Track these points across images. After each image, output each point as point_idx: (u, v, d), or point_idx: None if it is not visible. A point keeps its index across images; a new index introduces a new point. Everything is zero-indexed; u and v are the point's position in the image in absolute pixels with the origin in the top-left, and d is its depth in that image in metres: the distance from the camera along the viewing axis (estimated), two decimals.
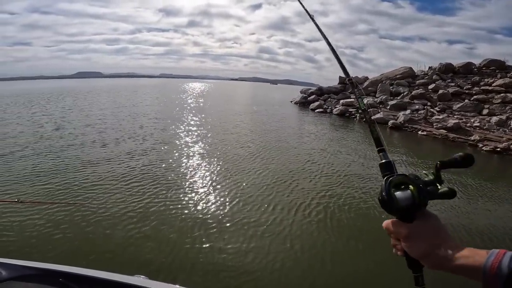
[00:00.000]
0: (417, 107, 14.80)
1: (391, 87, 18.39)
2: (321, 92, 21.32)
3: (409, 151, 8.96)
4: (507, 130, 11.12)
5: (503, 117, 11.88)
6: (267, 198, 4.72)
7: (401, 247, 0.55)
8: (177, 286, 1.22)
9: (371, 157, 7.85)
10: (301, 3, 1.09)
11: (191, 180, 5.43)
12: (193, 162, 6.59)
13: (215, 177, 5.63)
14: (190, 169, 6.05)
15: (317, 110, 18.05)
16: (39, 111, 14.07)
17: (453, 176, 6.13)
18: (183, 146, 7.97)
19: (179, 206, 4.31)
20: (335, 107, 17.56)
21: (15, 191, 4.56)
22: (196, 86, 63.77)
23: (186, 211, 4.15)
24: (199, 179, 5.51)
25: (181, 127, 10.85)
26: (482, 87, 14.97)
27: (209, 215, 4.08)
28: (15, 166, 5.72)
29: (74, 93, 28.16)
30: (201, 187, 5.12)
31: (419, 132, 12.23)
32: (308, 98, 21.10)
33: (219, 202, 4.54)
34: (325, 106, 18.40)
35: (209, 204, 4.45)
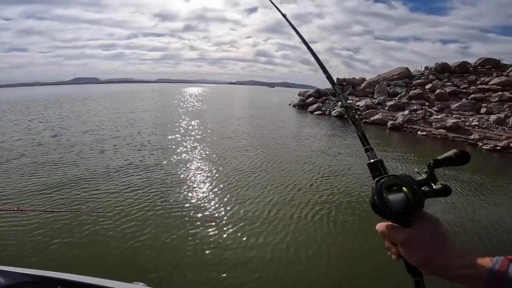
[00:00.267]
0: (415, 107, 14.83)
1: (388, 87, 18.45)
2: (319, 94, 21.35)
3: (409, 151, 8.92)
4: (506, 129, 11.14)
5: (502, 115, 11.91)
6: (267, 202, 4.67)
7: (396, 251, 0.51)
8: None
9: None
10: (272, 2, 1.07)
11: (190, 186, 5.37)
12: (192, 167, 6.53)
13: (214, 182, 5.58)
14: (188, 175, 5.99)
15: (316, 113, 18.03)
16: (36, 118, 13.99)
17: (450, 173, 6.10)
18: (181, 151, 7.90)
19: (179, 212, 4.26)
20: (334, 109, 17.57)
21: (13, 199, 4.53)
22: (194, 90, 63.86)
23: (185, 217, 4.10)
24: (198, 185, 5.45)
25: (179, 132, 10.79)
26: (479, 86, 15.04)
27: (209, 221, 4.03)
28: (13, 174, 5.66)
29: (71, 99, 28.15)
30: (200, 193, 5.06)
31: (419, 132, 12.23)
32: (306, 101, 21.12)
33: (218, 207, 4.48)
34: (323, 108, 18.39)
35: (209, 209, 4.40)
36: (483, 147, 9.90)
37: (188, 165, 6.64)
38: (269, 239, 3.58)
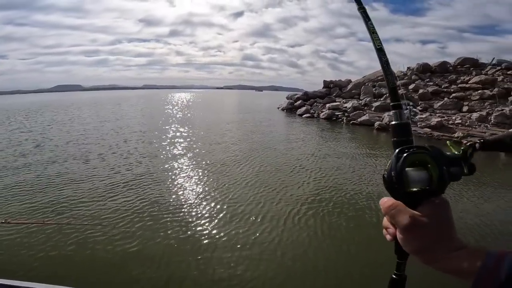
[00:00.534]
0: None
1: (373, 88, 18.82)
2: (307, 97, 21.55)
3: None
4: (489, 126, 11.52)
5: (483, 113, 12.32)
6: (256, 207, 4.64)
7: (393, 232, 0.46)
8: None
9: (360, 159, 7.91)
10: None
11: (178, 194, 5.26)
12: (181, 174, 6.40)
13: (203, 189, 5.48)
14: (177, 183, 5.86)
15: (305, 116, 18.17)
16: (17, 128, 13.52)
17: None
18: (169, 159, 7.75)
19: (167, 220, 4.16)
20: (322, 111, 17.74)
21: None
22: (181, 96, 63.33)
23: (174, 226, 4.01)
24: (187, 192, 5.35)
25: (167, 139, 10.60)
26: (460, 85, 15.56)
27: (198, 229, 3.96)
28: None
29: (54, 107, 27.38)
30: (189, 200, 4.96)
31: None
32: (295, 104, 21.26)
33: (207, 214, 4.41)
34: (312, 111, 18.55)
35: (198, 217, 4.32)
36: (468, 144, 10.16)
37: (176, 172, 6.51)
38: (262, 248, 3.52)
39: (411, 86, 16.94)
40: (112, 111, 22.46)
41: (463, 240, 0.42)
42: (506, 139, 0.40)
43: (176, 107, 28.15)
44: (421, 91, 15.88)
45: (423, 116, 13.28)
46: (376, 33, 0.53)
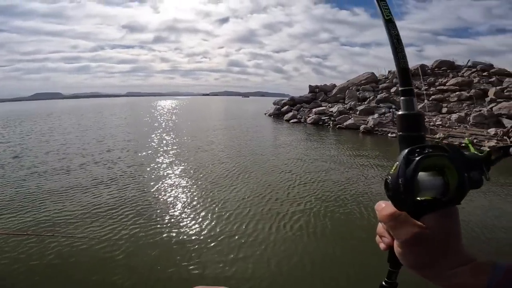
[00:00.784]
0: (383, 110, 15.55)
1: (357, 92, 19.24)
2: (293, 102, 21.74)
3: (382, 154, 9.26)
4: (468, 126, 11.97)
5: (462, 114, 12.81)
6: (244, 213, 4.60)
7: (388, 242, 0.40)
8: None
9: (346, 162, 7.99)
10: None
11: (165, 203, 5.12)
12: (167, 183, 6.25)
13: (190, 197, 5.37)
14: (163, 192, 5.71)
15: (292, 121, 18.27)
16: None
17: None
18: (154, 168, 7.56)
19: (154, 230, 4.05)
20: (309, 116, 17.92)
21: None
22: (167, 103, 62.54)
23: (161, 235, 3.92)
24: (174, 201, 5.22)
25: (152, 148, 10.37)
26: (438, 87, 16.16)
27: (186, 238, 3.87)
28: None
29: (33, 116, 26.45)
30: (176, 209, 4.84)
31: (389, 135, 12.77)
32: (282, 109, 21.38)
33: (195, 223, 4.31)
34: (298, 116, 18.70)
35: (186, 226, 4.22)
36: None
37: (162, 181, 6.34)
38: (249, 253, 3.48)
39: (392, 90, 17.45)
40: (94, 120, 21.83)
41: (470, 252, 0.37)
42: None
43: (161, 115, 27.72)
44: None
45: None
46: (385, 0, 0.42)
